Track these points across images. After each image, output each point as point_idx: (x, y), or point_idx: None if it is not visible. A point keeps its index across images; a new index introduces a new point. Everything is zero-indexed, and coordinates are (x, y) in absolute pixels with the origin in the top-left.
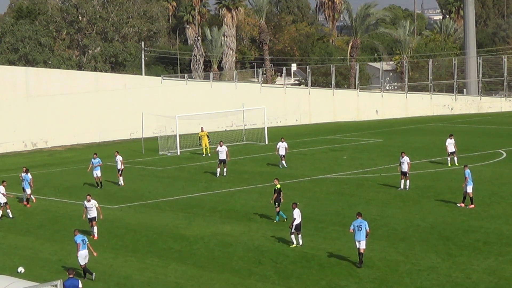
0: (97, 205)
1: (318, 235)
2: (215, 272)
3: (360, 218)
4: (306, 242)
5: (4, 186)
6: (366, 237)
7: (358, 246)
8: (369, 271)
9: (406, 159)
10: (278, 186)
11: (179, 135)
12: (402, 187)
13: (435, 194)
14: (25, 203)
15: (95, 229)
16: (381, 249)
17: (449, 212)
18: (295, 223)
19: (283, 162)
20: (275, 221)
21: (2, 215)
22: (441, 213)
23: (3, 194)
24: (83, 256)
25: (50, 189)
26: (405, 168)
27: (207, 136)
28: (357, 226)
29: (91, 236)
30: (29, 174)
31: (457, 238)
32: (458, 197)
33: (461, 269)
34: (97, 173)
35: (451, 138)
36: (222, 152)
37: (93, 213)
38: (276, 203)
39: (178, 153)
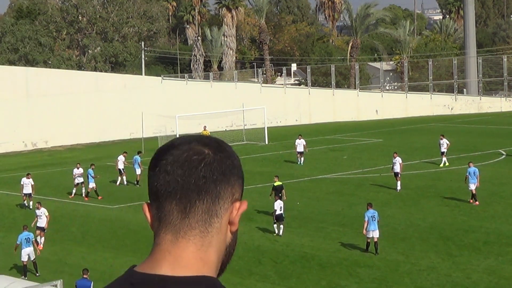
0: (46, 214)
1: (318, 235)
2: None
3: (371, 208)
4: (306, 242)
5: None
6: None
7: (372, 236)
8: (369, 271)
9: (398, 160)
10: (278, 183)
11: (179, 135)
12: (399, 187)
13: (435, 194)
14: (85, 197)
15: (42, 239)
16: (381, 249)
17: (449, 212)
18: (276, 213)
19: (301, 159)
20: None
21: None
22: (441, 213)
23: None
24: (26, 253)
25: (50, 189)
26: (397, 168)
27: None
28: (371, 216)
29: (38, 247)
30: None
31: (457, 238)
32: (458, 197)
33: (461, 269)
34: (137, 171)
35: (442, 139)
36: None
37: (42, 222)
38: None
39: None
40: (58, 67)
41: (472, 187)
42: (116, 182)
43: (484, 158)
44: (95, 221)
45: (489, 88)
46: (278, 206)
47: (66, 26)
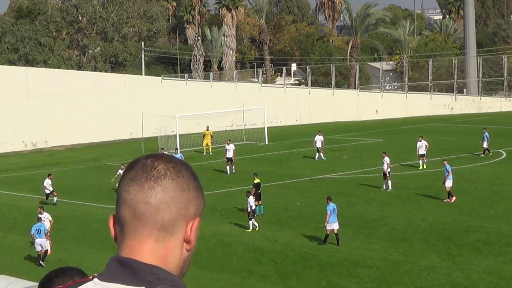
0: (49, 218)
1: (318, 235)
2: (215, 272)
3: (331, 202)
4: (306, 242)
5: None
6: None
7: (332, 228)
8: (369, 271)
9: (386, 160)
10: (257, 180)
11: (179, 135)
12: (390, 187)
13: (435, 194)
14: None
15: (48, 242)
16: (381, 249)
17: (449, 212)
18: (250, 210)
19: (321, 154)
20: (260, 214)
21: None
22: (441, 213)
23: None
24: (38, 243)
25: None
26: (385, 168)
27: (211, 135)
28: (333, 209)
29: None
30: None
31: (457, 238)
32: (457, 196)
33: (461, 269)
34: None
35: (420, 141)
36: (230, 150)
37: (45, 225)
38: (255, 197)
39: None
40: (58, 67)
41: (449, 184)
42: None
43: (484, 158)
44: (95, 221)
45: (489, 88)
46: (252, 202)
47: (66, 26)
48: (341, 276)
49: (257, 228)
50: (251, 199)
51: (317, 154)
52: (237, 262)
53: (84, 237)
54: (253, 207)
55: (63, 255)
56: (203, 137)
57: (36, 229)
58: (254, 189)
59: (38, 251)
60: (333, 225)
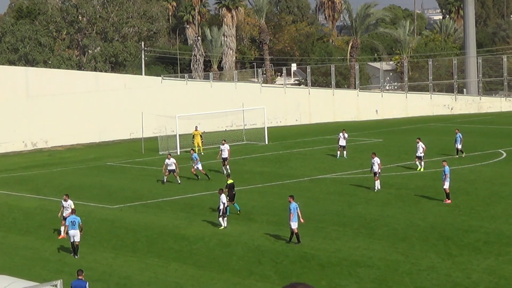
0: (73, 207)
1: (318, 235)
2: (215, 272)
3: (293, 201)
4: (306, 242)
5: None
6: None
7: (295, 227)
8: (369, 271)
9: (376, 160)
10: (230, 181)
11: (179, 135)
12: (379, 187)
13: (435, 194)
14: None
15: (62, 228)
16: (381, 249)
17: (449, 212)
18: (222, 207)
19: (344, 152)
20: (238, 212)
21: None
22: (441, 213)
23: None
24: (71, 235)
25: (50, 189)
26: (375, 168)
27: (200, 135)
28: (295, 208)
29: (60, 236)
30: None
31: (457, 238)
32: (457, 196)
33: (461, 269)
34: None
35: (418, 142)
36: (224, 150)
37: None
38: (229, 197)
39: (178, 153)
40: (58, 67)
41: (447, 185)
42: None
43: (484, 158)
44: (95, 221)
45: (489, 88)
46: (224, 199)
47: (66, 26)
48: (341, 276)
49: (221, 228)
50: (223, 197)
51: (344, 152)
52: (237, 262)
53: (84, 237)
54: (226, 205)
55: (63, 255)
56: (193, 137)
57: (71, 221)
58: (228, 190)
59: (72, 242)
60: (295, 224)
